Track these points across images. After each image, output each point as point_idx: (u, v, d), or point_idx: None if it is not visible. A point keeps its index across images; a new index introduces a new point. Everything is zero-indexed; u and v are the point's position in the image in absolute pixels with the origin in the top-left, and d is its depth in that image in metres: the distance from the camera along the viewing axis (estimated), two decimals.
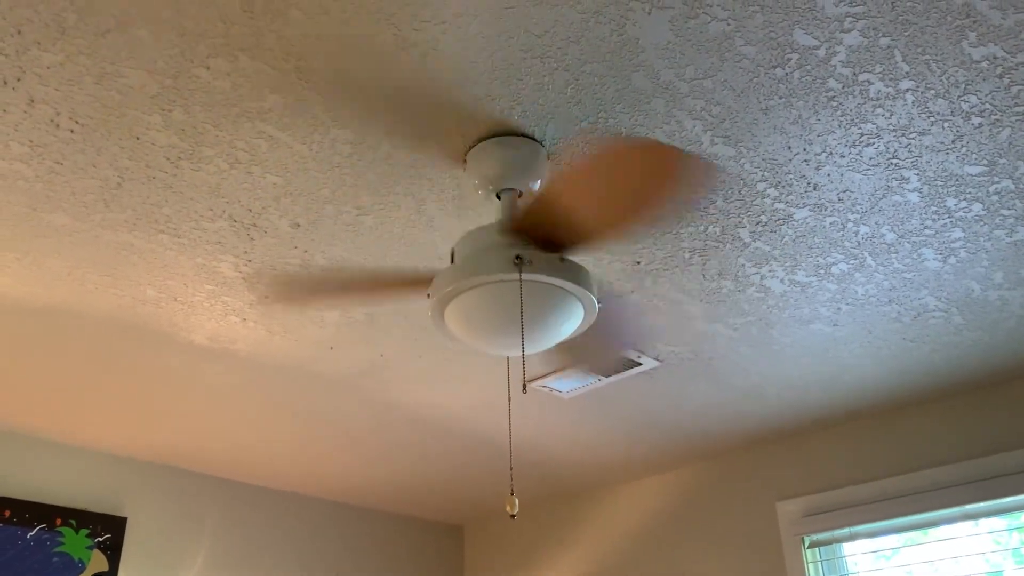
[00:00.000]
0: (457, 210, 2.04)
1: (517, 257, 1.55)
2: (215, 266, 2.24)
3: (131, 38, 1.54)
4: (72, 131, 1.76)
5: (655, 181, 1.54)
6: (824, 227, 2.14)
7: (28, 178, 1.89)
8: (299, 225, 2.09)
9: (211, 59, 1.59)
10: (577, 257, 2.20)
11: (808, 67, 1.65)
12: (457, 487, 4.13)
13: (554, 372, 2.90)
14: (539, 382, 2.98)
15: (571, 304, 1.63)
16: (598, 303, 1.69)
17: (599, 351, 2.61)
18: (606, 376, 2.93)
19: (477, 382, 2.96)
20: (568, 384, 3.00)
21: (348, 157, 1.86)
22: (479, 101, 1.71)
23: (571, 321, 1.64)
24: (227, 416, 3.19)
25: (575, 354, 2.67)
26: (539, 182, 1.85)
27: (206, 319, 2.49)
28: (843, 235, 2.18)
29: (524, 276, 1.53)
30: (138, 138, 1.78)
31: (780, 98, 1.73)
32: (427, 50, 1.59)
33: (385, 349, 2.71)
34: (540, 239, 1.59)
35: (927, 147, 1.87)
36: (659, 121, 1.78)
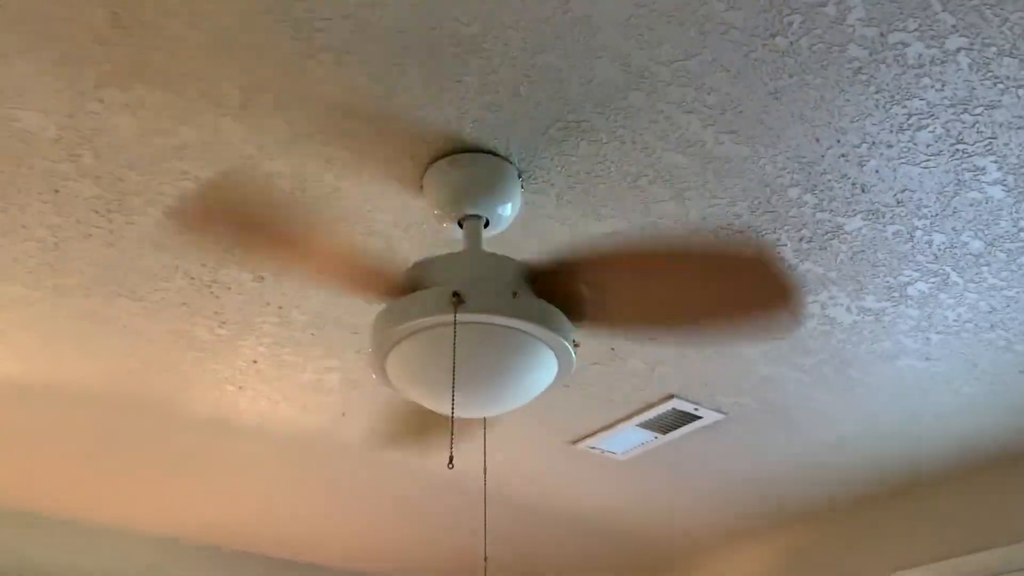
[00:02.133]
0: (432, 244, 1.75)
1: (454, 294, 1.24)
2: (189, 330, 2.02)
3: (10, 71, 1.35)
4: None
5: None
6: (886, 238, 1.73)
7: None
8: (263, 278, 1.85)
9: (101, 90, 1.38)
10: None
11: (818, 31, 1.29)
12: (523, 562, 3.75)
13: (601, 430, 2.54)
14: (587, 442, 2.62)
15: (532, 350, 1.29)
16: (574, 347, 1.35)
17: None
18: (662, 434, 2.55)
19: (518, 441, 2.63)
20: (621, 444, 2.63)
21: (290, 194, 1.61)
22: (418, 114, 1.44)
23: (534, 371, 1.30)
24: (256, 491, 2.97)
25: None
26: (511, 206, 1.55)
27: (201, 390, 2.28)
28: (913, 247, 1.76)
29: (460, 317, 1.22)
30: (57, 191, 1.59)
31: (790, 76, 1.37)
32: (338, 54, 1.33)
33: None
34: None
35: (1001, 124, 1.46)
36: (644, 120, 1.45)
